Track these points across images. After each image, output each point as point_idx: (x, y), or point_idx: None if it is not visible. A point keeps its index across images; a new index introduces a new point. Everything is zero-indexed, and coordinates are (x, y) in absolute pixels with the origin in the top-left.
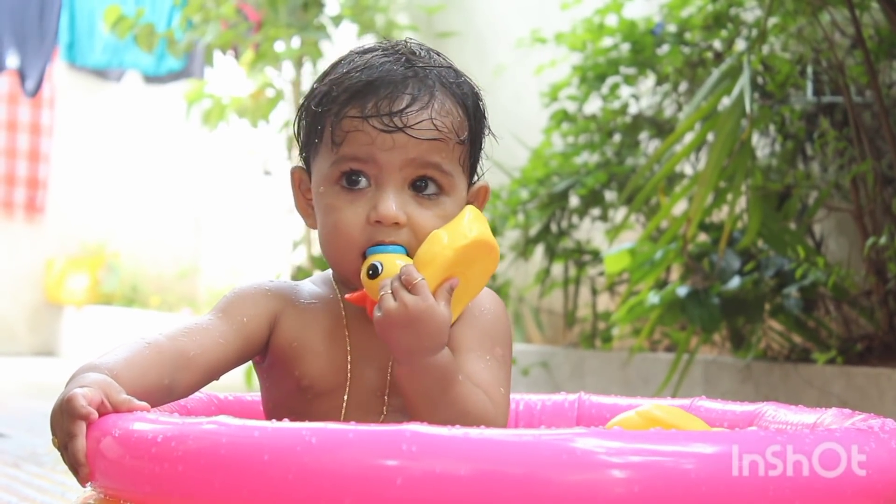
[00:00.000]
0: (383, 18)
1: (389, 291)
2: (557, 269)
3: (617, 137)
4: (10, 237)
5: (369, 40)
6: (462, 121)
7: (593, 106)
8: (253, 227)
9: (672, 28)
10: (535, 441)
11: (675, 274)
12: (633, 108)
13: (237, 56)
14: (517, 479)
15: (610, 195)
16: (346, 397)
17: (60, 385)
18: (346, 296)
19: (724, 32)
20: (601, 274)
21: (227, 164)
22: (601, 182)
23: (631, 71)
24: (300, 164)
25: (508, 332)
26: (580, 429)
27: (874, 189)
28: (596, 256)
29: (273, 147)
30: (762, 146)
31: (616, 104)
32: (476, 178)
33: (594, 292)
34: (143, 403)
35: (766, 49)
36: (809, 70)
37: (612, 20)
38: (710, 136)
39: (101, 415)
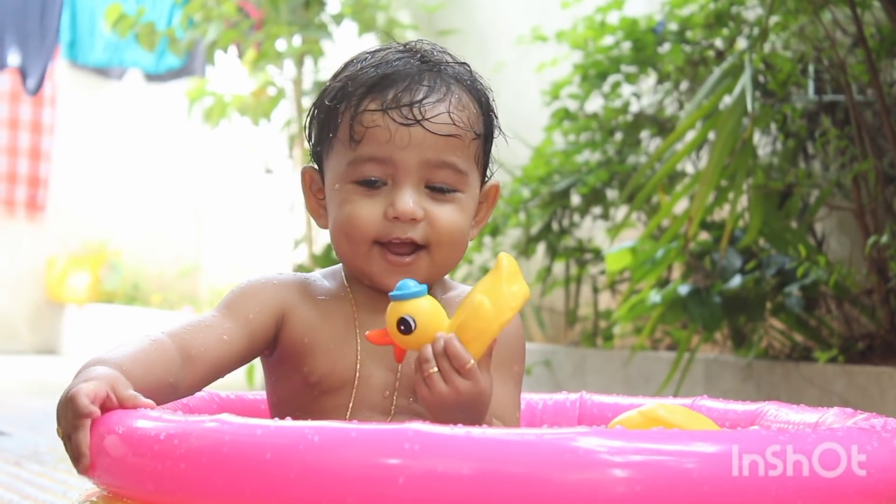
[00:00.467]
0: (384, 16)
1: (436, 369)
2: (559, 267)
3: (618, 136)
4: (11, 235)
5: (370, 39)
6: (478, 115)
7: (595, 104)
8: (254, 225)
9: (673, 26)
10: (537, 440)
11: (676, 272)
12: (634, 107)
13: (239, 54)
14: (519, 479)
15: (611, 194)
16: (353, 395)
17: (62, 383)
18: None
19: (725, 31)
20: (602, 272)
21: (229, 162)
22: (602, 180)
23: (632, 69)
24: (311, 163)
25: (524, 348)
26: (582, 428)
27: (875, 188)
28: (597, 255)
29: (274, 145)
30: (763, 145)
31: (617, 102)
32: (487, 176)
33: (595, 291)
34: (149, 401)
35: (767, 47)
36: (811, 68)
37: (613, 18)
38: (711, 135)
39: (106, 410)
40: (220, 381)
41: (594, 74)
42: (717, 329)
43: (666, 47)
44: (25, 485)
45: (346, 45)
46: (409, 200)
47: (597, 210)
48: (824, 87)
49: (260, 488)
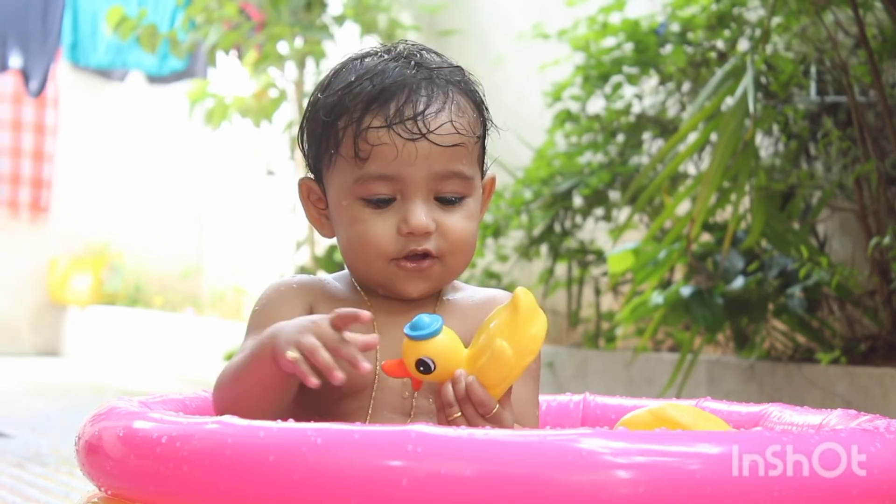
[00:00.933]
0: (386, 18)
1: (460, 414)
2: (561, 269)
3: (620, 137)
4: (13, 237)
5: (372, 40)
6: (476, 117)
7: (596, 105)
8: (256, 227)
9: (675, 27)
10: (540, 441)
11: (678, 274)
12: (636, 108)
13: (240, 56)
14: (522, 480)
15: (613, 195)
16: (372, 397)
17: (64, 385)
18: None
19: (727, 32)
20: (605, 274)
21: (230, 164)
22: (605, 182)
23: (634, 70)
24: (307, 174)
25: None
26: (585, 429)
27: (878, 189)
28: (599, 256)
29: (276, 147)
30: (766, 146)
31: (619, 104)
32: (485, 169)
33: (598, 292)
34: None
35: (769, 49)
36: (813, 70)
37: (615, 19)
38: (713, 136)
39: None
40: None
41: (596, 76)
42: (720, 330)
43: (668, 49)
44: (27, 486)
45: (347, 46)
46: (421, 215)
47: (599, 211)
48: (826, 89)
49: (263, 490)
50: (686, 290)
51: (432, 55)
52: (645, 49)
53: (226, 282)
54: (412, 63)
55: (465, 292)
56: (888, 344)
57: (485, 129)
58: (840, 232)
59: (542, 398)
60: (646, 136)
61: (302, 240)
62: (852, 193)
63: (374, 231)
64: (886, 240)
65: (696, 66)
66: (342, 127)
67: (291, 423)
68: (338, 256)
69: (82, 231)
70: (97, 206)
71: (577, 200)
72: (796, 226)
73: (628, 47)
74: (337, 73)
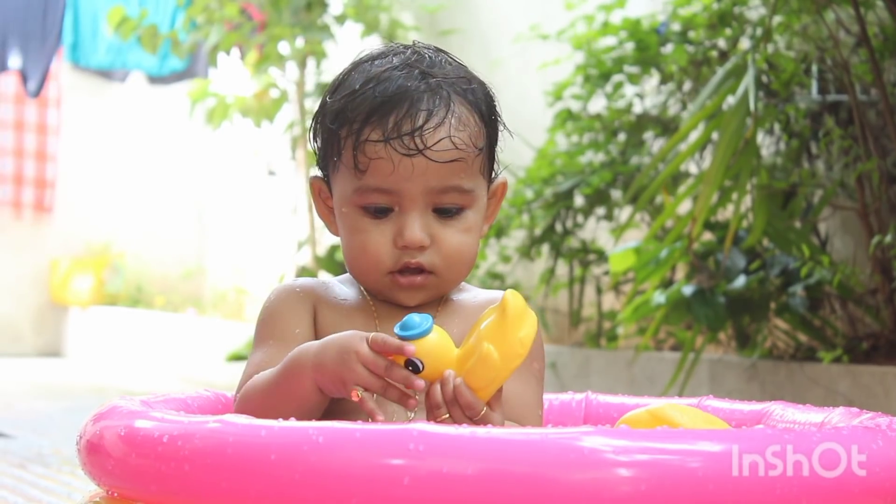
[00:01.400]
0: (387, 18)
1: (448, 416)
2: (562, 268)
3: (621, 136)
4: (15, 238)
5: (373, 41)
6: (479, 128)
7: (598, 105)
8: (257, 227)
9: (676, 27)
10: (542, 440)
11: (680, 273)
12: (637, 107)
13: (241, 56)
14: (524, 478)
15: (615, 194)
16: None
17: (65, 386)
18: None
19: (728, 31)
20: (606, 273)
21: (232, 164)
22: (606, 181)
23: (635, 70)
24: (318, 173)
25: (542, 345)
26: (587, 427)
27: (879, 187)
28: (601, 256)
29: (277, 147)
30: (767, 145)
31: (620, 103)
32: (495, 173)
33: (599, 291)
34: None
35: (770, 48)
36: (814, 68)
37: (616, 18)
38: (714, 135)
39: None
40: (223, 381)
41: (597, 75)
42: (722, 329)
43: (669, 48)
44: (29, 487)
45: (348, 46)
46: (416, 230)
47: (600, 211)
48: (828, 87)
49: (264, 489)
50: (688, 290)
51: (442, 58)
52: (646, 48)
53: (227, 282)
54: (417, 71)
55: (469, 293)
56: (890, 342)
57: (493, 138)
58: (842, 230)
59: (545, 397)
60: (647, 135)
61: (303, 240)
62: (854, 192)
63: (372, 242)
64: (888, 238)
65: (697, 65)
66: (343, 136)
67: (293, 422)
68: (339, 256)
69: (83, 232)
70: (98, 206)
71: (579, 200)
72: (798, 224)
73: (629, 46)
74: (347, 74)
